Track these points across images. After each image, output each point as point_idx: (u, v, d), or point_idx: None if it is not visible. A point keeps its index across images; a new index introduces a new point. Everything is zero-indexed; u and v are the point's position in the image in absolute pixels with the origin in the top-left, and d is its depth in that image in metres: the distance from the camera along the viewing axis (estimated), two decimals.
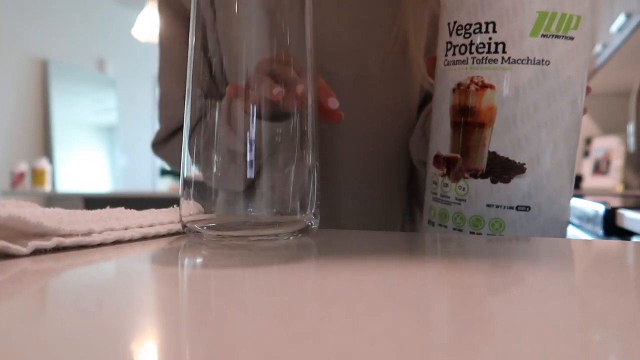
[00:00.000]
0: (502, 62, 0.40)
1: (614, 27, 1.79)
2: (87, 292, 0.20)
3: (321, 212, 0.38)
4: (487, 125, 0.41)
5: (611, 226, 0.94)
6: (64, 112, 3.72)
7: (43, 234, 0.29)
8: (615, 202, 1.16)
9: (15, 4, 3.38)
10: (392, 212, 0.64)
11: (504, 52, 0.40)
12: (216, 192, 0.36)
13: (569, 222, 0.45)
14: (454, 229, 0.43)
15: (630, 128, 1.98)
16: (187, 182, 0.36)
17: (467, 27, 0.41)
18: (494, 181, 0.41)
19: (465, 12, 0.41)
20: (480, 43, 0.41)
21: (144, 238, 0.35)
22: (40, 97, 3.59)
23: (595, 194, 1.91)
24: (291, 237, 0.35)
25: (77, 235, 0.30)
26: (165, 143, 0.63)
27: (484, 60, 0.41)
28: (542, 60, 0.40)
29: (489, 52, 0.40)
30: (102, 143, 4.08)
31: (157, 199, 2.80)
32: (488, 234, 0.42)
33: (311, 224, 0.36)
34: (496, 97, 0.40)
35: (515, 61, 0.40)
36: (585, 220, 1.11)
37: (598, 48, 2.11)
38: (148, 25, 3.10)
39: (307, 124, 0.36)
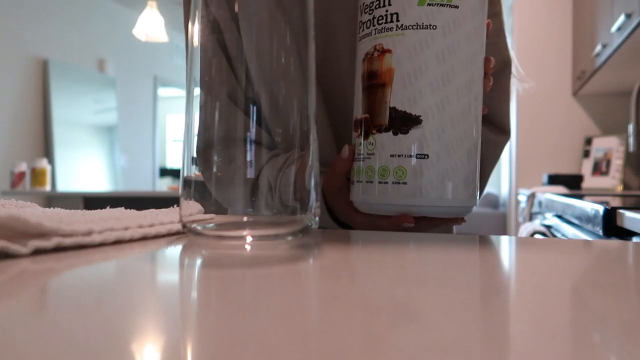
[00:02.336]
0: (396, 30, 0.47)
1: (614, 27, 1.79)
2: (87, 292, 0.20)
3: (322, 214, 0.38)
4: (387, 85, 0.47)
5: (611, 226, 0.94)
6: (64, 112, 3.72)
7: (43, 234, 0.29)
8: (615, 202, 1.16)
9: (15, 4, 3.38)
10: None
11: (397, 20, 0.47)
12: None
13: (475, 175, 0.50)
14: (367, 181, 0.49)
15: (630, 128, 1.98)
16: (187, 182, 0.36)
17: (371, 4, 0.49)
18: (395, 133, 0.47)
19: None
20: (380, 16, 0.48)
21: (144, 238, 0.35)
22: (40, 97, 3.59)
23: (595, 194, 1.91)
24: (291, 237, 0.35)
25: (77, 235, 0.30)
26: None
27: (383, 30, 0.48)
28: (430, 25, 0.46)
29: (386, 22, 0.48)
30: (102, 143, 4.08)
31: (157, 199, 2.80)
32: (393, 182, 0.47)
33: (311, 224, 0.36)
34: (393, 60, 0.47)
35: (406, 27, 0.47)
36: (585, 220, 1.11)
37: (598, 48, 2.11)
38: (148, 25, 3.10)
39: (307, 124, 0.36)
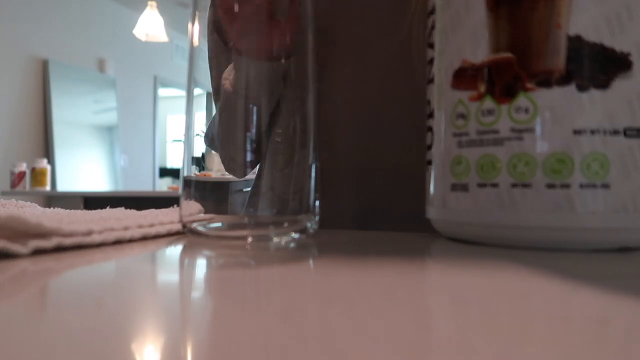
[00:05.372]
0: None
1: None
2: (87, 292, 0.20)
3: (324, 214, 0.38)
4: None
5: None
6: (64, 112, 3.72)
7: (43, 234, 0.29)
8: None
9: (15, 4, 3.38)
10: None
11: None
12: (216, 192, 0.36)
13: None
14: (514, 185, 0.27)
15: None
16: (187, 182, 0.36)
17: None
18: (582, 87, 0.25)
19: None
20: None
21: (144, 238, 0.35)
22: (40, 97, 3.59)
23: None
24: (291, 237, 0.35)
25: (77, 235, 0.30)
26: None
27: None
28: None
29: None
30: (102, 143, 4.08)
31: (157, 199, 2.80)
32: (583, 185, 0.26)
33: (311, 224, 0.36)
34: None
35: None
36: None
37: None
38: (148, 25, 3.10)
39: (307, 123, 0.36)
